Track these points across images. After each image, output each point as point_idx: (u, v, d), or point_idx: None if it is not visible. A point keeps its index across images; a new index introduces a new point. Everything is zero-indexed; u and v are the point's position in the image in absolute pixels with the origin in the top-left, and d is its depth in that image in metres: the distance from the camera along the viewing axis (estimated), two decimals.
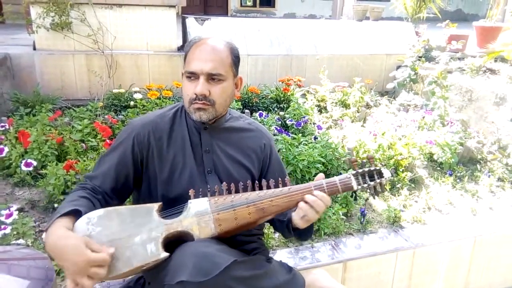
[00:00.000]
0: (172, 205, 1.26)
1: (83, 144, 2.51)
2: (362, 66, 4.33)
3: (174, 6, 3.69)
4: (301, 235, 1.37)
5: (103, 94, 3.32)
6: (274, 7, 12.95)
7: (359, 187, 1.29)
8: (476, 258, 2.43)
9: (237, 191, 1.27)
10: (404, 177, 2.77)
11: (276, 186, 1.28)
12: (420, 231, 2.36)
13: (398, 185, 2.74)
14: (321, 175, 1.31)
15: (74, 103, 3.28)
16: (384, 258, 2.16)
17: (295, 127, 3.11)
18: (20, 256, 1.29)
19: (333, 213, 2.28)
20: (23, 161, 2.25)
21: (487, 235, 2.42)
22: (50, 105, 3.00)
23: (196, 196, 1.24)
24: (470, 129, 3.52)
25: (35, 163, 2.27)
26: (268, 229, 2.08)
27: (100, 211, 1.17)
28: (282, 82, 3.73)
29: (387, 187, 2.65)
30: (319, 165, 2.51)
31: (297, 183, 2.43)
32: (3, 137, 2.47)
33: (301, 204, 1.23)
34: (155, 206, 1.21)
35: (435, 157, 3.03)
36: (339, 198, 2.43)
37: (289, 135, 2.86)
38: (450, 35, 4.51)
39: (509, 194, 2.91)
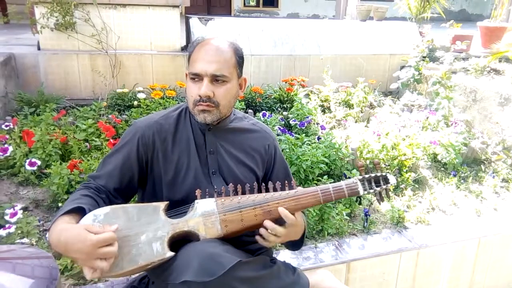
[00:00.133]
0: (177, 205, 1.26)
1: (87, 144, 2.51)
2: (366, 66, 4.32)
3: (177, 6, 3.70)
4: (287, 246, 1.40)
5: (107, 94, 3.32)
6: (277, 7, 12.94)
7: (365, 192, 1.29)
8: (480, 259, 2.42)
9: (243, 193, 1.27)
10: (408, 178, 2.76)
11: (283, 189, 1.28)
12: (424, 232, 2.36)
13: (402, 186, 2.73)
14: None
15: (78, 103, 3.30)
16: (387, 259, 2.16)
17: (298, 127, 3.10)
18: (24, 255, 1.30)
19: (337, 214, 2.27)
20: (28, 161, 2.26)
21: (491, 236, 2.41)
22: (54, 104, 3.02)
23: (202, 197, 1.24)
24: (474, 130, 3.51)
25: (39, 162, 2.28)
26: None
27: (107, 209, 1.16)
28: (286, 82, 3.73)
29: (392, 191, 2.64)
30: (322, 165, 2.51)
31: (300, 183, 2.44)
32: (7, 136, 2.48)
33: (262, 230, 1.22)
34: (162, 205, 1.21)
35: (439, 157, 3.02)
36: (342, 199, 2.43)
37: (293, 135, 2.85)
38: (455, 35, 4.49)
39: None
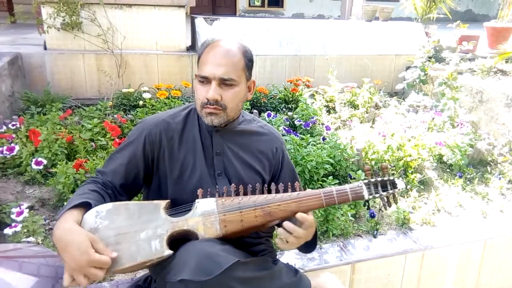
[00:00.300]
0: (182, 204, 1.26)
1: (93, 143, 2.52)
2: (371, 67, 4.31)
3: (183, 6, 3.71)
4: (302, 247, 1.35)
5: (113, 94, 3.34)
6: (282, 7, 12.93)
7: (370, 196, 1.25)
8: (486, 261, 2.40)
9: (245, 194, 1.26)
10: (414, 179, 2.75)
11: (286, 191, 1.27)
12: (429, 233, 2.35)
13: (407, 187, 2.72)
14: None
15: (83, 102, 3.31)
16: (393, 260, 2.15)
17: (303, 127, 3.10)
18: (30, 253, 1.31)
19: (342, 214, 2.27)
20: (34, 160, 2.28)
21: (497, 238, 2.39)
22: (60, 104, 3.03)
23: (204, 196, 1.24)
24: (480, 131, 3.49)
25: (45, 161, 2.29)
26: (275, 226, 2.07)
27: (109, 205, 1.17)
28: (291, 83, 3.73)
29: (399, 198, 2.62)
30: (327, 166, 2.50)
31: (305, 184, 2.43)
32: (14, 135, 2.50)
33: (280, 230, 1.21)
34: (163, 203, 1.22)
35: (444, 158, 3.01)
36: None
37: (298, 136, 2.85)
38: (461, 35, 4.46)
39: None
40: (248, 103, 3.35)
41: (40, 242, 1.87)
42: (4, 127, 2.60)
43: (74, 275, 1.04)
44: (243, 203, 1.22)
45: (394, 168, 2.82)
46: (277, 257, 1.96)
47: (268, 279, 1.17)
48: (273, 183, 1.31)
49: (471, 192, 2.83)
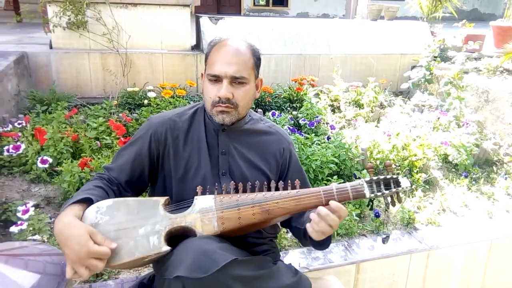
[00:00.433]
0: None
1: (98, 142, 2.53)
2: (376, 66, 4.30)
3: (188, 6, 3.71)
4: (317, 244, 1.31)
5: (118, 93, 3.35)
6: (287, 6, 12.91)
7: (372, 195, 1.21)
8: (492, 262, 2.39)
9: (244, 191, 1.26)
10: (419, 178, 2.73)
11: (286, 189, 1.25)
12: (434, 233, 2.34)
13: (413, 186, 2.71)
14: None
15: (89, 101, 3.32)
16: (397, 260, 2.14)
17: (308, 126, 3.09)
18: (36, 252, 1.31)
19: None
20: (39, 158, 2.29)
21: (503, 238, 2.38)
22: (65, 103, 3.04)
23: (203, 194, 1.24)
24: (486, 131, 3.47)
25: (50, 160, 2.30)
26: (280, 227, 2.07)
27: (110, 201, 1.19)
28: (295, 82, 3.72)
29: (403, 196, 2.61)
30: (332, 165, 2.50)
31: (310, 183, 2.43)
32: (20, 134, 2.51)
33: (313, 215, 1.18)
34: (162, 200, 1.22)
35: (450, 158, 2.99)
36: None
37: (302, 135, 2.85)
38: (467, 35, 4.43)
39: None
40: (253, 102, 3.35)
41: (46, 240, 1.88)
42: (10, 126, 2.61)
43: (75, 267, 1.05)
44: (241, 200, 1.21)
45: (399, 167, 2.81)
46: (282, 256, 1.98)
47: (266, 279, 1.16)
48: (272, 181, 1.30)
49: (477, 192, 2.81)
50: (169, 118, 1.38)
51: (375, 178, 1.24)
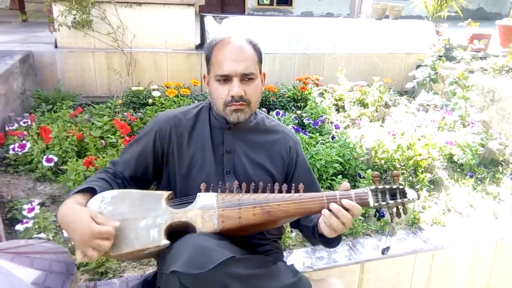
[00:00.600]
0: None
1: (103, 141, 2.54)
2: (381, 65, 4.28)
3: (192, 5, 3.71)
4: (326, 242, 1.30)
5: (122, 92, 3.35)
6: (291, 5, 12.89)
7: (376, 204, 1.19)
8: (497, 262, 2.37)
9: (248, 191, 1.25)
10: (424, 178, 2.72)
11: (289, 192, 1.25)
12: (439, 233, 2.32)
13: (417, 186, 2.70)
14: (347, 184, 1.23)
15: (94, 100, 3.33)
16: (402, 260, 2.13)
17: (312, 126, 3.09)
18: (42, 250, 1.31)
19: None
20: (45, 157, 2.30)
21: (509, 239, 2.36)
22: (70, 102, 3.06)
23: (207, 191, 1.24)
24: (492, 130, 3.45)
25: (56, 158, 2.31)
26: (285, 228, 2.07)
27: (114, 192, 1.21)
28: (300, 81, 3.71)
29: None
30: (336, 165, 2.49)
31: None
32: (25, 133, 2.52)
33: (324, 210, 1.17)
34: (165, 194, 1.24)
35: (455, 158, 2.98)
36: None
37: (306, 134, 2.84)
38: (472, 34, 4.41)
39: None
40: None
41: (51, 238, 1.89)
42: (16, 125, 2.63)
43: (83, 250, 1.08)
44: (243, 200, 1.21)
45: (404, 167, 2.80)
46: (286, 255, 1.98)
47: (264, 278, 1.15)
48: (276, 183, 1.29)
49: (482, 192, 2.80)
50: (174, 116, 1.39)
51: (380, 187, 1.21)
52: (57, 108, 2.98)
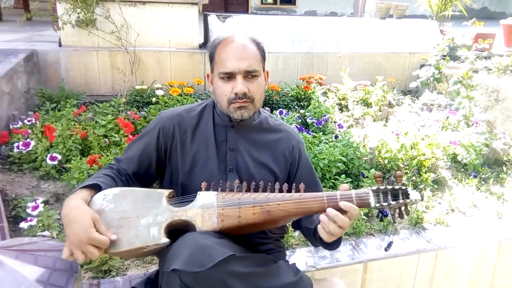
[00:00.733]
0: None
1: (106, 139, 2.55)
2: (385, 65, 4.27)
3: (196, 4, 3.71)
4: (327, 245, 1.28)
5: (126, 90, 3.36)
6: (294, 4, 12.87)
7: (378, 205, 1.18)
8: (501, 262, 2.37)
9: (249, 190, 1.25)
10: (427, 178, 2.72)
11: (290, 191, 1.24)
12: (443, 233, 2.32)
13: (421, 186, 2.69)
14: (346, 186, 1.23)
15: (97, 99, 3.34)
16: (405, 260, 2.13)
17: (315, 125, 3.08)
18: (46, 247, 1.32)
19: None
20: (49, 155, 2.31)
21: None
22: (74, 100, 3.07)
23: (207, 190, 1.24)
24: (496, 130, 3.43)
25: (59, 157, 2.32)
26: (288, 227, 2.07)
27: (117, 189, 1.22)
28: (303, 80, 3.71)
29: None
30: (340, 164, 2.49)
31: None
32: (29, 131, 2.53)
33: (322, 216, 1.16)
34: (166, 192, 1.24)
35: (459, 158, 2.97)
36: None
37: (310, 134, 2.84)
38: (476, 33, 4.39)
39: None
40: None
41: (55, 236, 1.89)
42: (20, 123, 2.64)
43: (73, 250, 1.10)
44: (243, 199, 1.20)
45: (407, 167, 2.79)
46: (289, 254, 1.97)
47: (264, 276, 1.15)
48: (277, 182, 1.29)
49: (486, 192, 2.79)
50: (178, 114, 1.40)
51: (382, 187, 1.20)
52: (61, 107, 2.99)
